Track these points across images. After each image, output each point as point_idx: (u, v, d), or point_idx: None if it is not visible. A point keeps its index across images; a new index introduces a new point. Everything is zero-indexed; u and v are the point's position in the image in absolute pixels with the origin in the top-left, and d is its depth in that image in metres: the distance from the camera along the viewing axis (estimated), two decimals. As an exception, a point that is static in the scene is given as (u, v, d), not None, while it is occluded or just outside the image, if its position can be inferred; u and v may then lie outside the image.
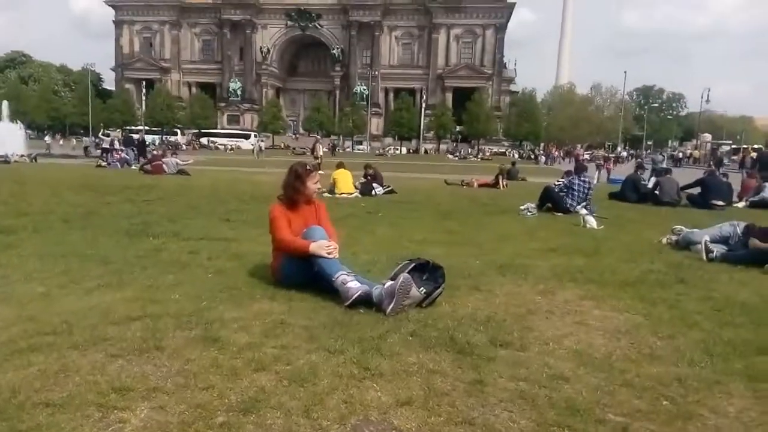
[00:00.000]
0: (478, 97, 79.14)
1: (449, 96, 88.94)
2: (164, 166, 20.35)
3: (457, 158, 61.96)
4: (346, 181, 13.43)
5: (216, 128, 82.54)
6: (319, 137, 30.19)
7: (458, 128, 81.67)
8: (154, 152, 26.82)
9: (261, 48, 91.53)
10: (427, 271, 3.80)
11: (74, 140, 58.74)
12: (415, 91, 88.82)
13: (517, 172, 24.16)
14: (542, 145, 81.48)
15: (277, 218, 4.19)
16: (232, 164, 32.48)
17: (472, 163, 51.21)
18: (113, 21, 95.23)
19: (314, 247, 3.91)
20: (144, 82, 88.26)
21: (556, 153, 63.51)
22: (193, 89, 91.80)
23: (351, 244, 6.38)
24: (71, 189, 12.29)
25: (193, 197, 11.66)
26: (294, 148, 61.03)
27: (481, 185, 18.61)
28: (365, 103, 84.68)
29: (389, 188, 14.62)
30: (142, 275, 4.32)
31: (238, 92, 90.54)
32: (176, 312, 3.41)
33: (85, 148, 41.96)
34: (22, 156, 28.99)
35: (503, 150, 76.82)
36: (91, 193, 11.73)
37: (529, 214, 10.14)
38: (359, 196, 13.21)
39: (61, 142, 53.17)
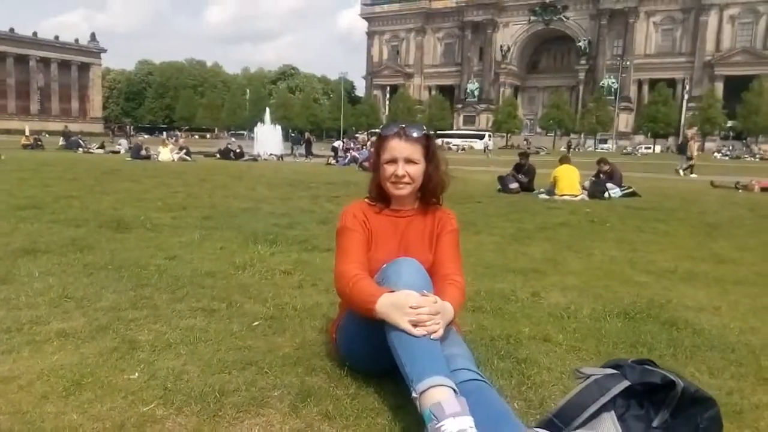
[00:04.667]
0: (758, 86, 65.30)
1: (719, 86, 75.65)
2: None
3: (727, 158, 51.76)
4: (570, 180, 10.63)
5: (452, 129, 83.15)
6: (692, 132, 23.58)
7: (730, 123, 68.77)
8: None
9: (501, 47, 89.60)
10: (668, 403, 1.35)
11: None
12: (675, 82, 77.68)
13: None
14: None
15: (346, 230, 2.10)
16: (458, 163, 31.09)
17: (748, 164, 41.99)
18: (366, 32, 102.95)
19: (384, 306, 1.72)
20: (389, 88, 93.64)
21: None
22: (433, 92, 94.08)
23: (544, 271, 4.02)
24: (272, 184, 11.89)
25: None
26: (529, 147, 57.79)
27: (765, 188, 13.86)
28: (613, 97, 76.69)
29: (629, 189, 11.36)
30: (157, 314, 2.66)
31: (475, 93, 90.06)
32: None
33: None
34: (271, 155, 31.77)
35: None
36: (287, 188, 11.11)
37: None
38: (586, 198, 10.31)
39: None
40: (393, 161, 2.05)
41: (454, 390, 1.52)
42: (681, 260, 4.66)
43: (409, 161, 2.04)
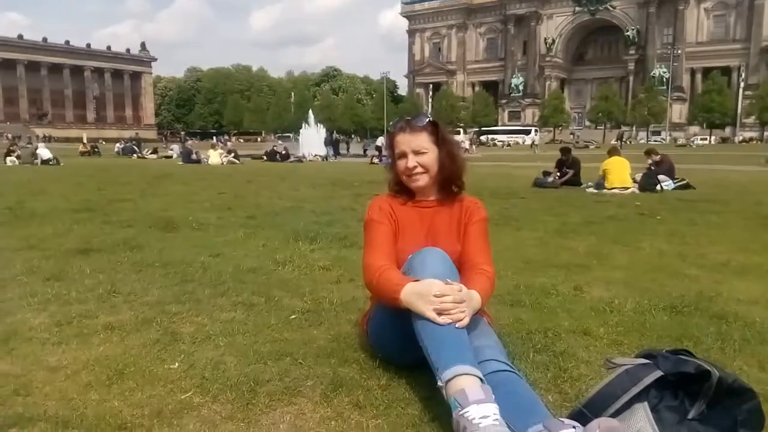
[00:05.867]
0: (822, 70, 61.94)
1: (778, 72, 71.99)
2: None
3: (789, 147, 49.14)
4: (620, 172, 10.32)
5: (497, 125, 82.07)
6: None
7: (792, 110, 65.29)
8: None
9: (545, 39, 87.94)
10: (704, 394, 1.29)
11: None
12: (730, 70, 74.44)
13: None
14: None
15: (373, 223, 2.10)
16: (503, 159, 30.74)
17: (814, 153, 39.74)
18: (407, 31, 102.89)
19: (408, 295, 1.72)
20: (431, 86, 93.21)
21: None
22: (476, 88, 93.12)
23: (588, 265, 3.92)
24: (316, 184, 12.04)
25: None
26: (577, 141, 56.48)
27: (832, 178, 13.11)
28: (665, 87, 74.07)
29: (683, 181, 10.94)
30: (199, 308, 2.75)
31: (520, 87, 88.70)
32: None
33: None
34: (315, 155, 32.22)
35: None
36: (330, 187, 11.21)
37: None
38: (637, 191, 9.99)
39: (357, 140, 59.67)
40: (403, 155, 2.06)
41: (481, 379, 1.51)
42: (734, 253, 4.46)
43: (417, 152, 2.04)
